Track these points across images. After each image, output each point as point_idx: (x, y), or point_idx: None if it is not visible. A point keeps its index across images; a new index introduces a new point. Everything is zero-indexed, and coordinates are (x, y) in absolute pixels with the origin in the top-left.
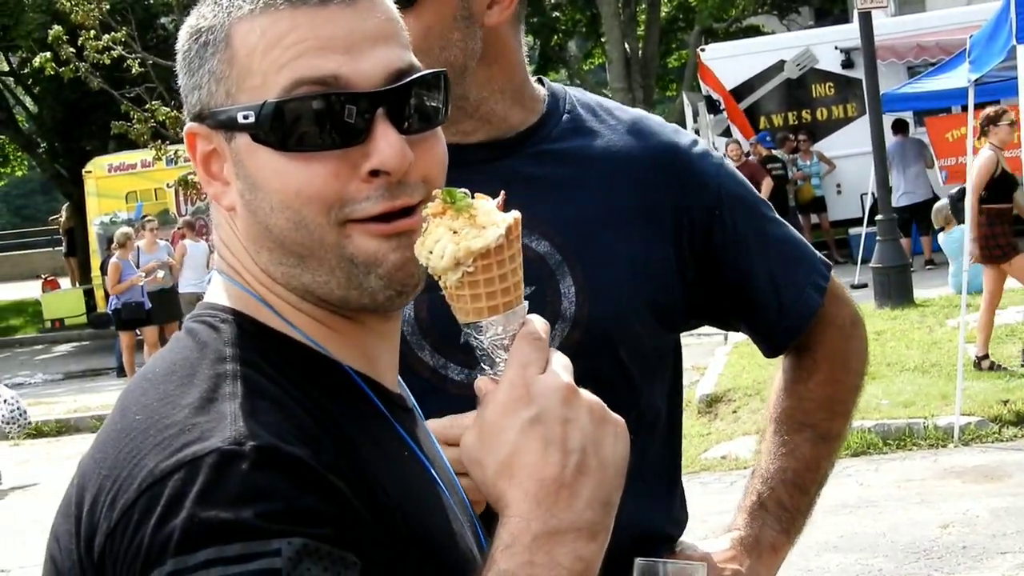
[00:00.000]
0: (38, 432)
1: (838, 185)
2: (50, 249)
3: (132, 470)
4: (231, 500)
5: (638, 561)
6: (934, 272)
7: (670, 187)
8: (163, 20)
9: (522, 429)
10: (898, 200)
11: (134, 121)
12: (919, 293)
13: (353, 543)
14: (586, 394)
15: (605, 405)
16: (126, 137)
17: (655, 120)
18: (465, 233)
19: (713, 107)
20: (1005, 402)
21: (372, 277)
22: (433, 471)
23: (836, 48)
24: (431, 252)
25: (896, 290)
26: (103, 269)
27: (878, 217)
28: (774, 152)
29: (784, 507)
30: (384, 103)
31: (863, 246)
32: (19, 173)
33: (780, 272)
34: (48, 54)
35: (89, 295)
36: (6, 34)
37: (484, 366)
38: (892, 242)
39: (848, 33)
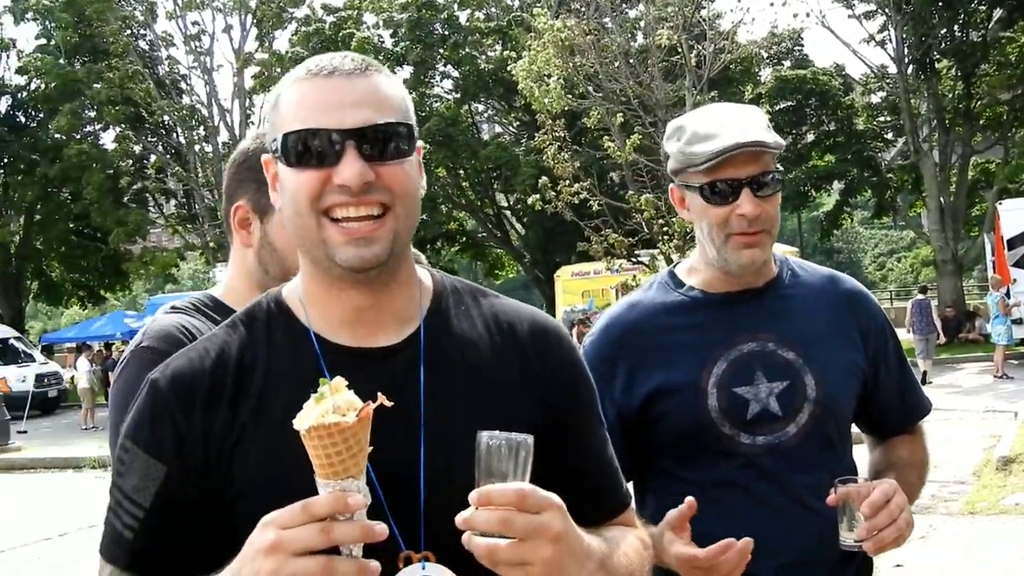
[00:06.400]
0: None
1: None
2: None
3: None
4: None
5: (480, 433)
6: None
7: (858, 315)
8: (612, 175)
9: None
10: None
11: (592, 243)
12: None
13: (173, 458)
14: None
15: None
16: (585, 253)
17: (842, 274)
18: (332, 412)
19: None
20: None
21: (337, 256)
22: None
23: None
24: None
25: None
26: None
27: None
28: None
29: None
30: (352, 139)
31: None
32: (511, 276)
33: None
34: (537, 196)
35: None
36: (507, 181)
37: None
38: None
39: None
